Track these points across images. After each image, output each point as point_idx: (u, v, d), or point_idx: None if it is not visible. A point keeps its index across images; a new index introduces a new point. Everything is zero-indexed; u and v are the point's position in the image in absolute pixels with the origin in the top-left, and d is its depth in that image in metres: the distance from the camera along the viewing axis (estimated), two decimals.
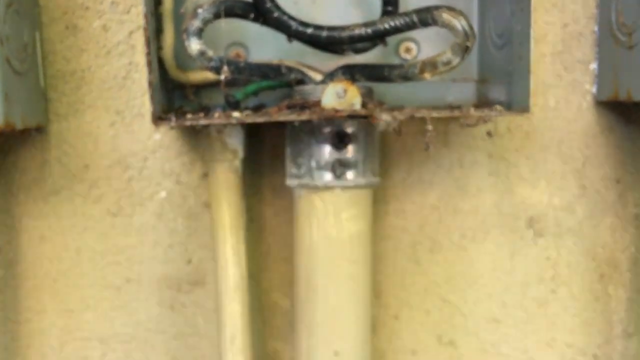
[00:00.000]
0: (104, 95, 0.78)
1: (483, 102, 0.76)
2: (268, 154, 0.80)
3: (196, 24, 0.60)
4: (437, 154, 0.81)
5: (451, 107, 0.64)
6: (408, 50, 0.77)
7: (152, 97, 0.57)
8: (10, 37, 0.66)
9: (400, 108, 0.69)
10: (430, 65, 0.61)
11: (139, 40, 0.77)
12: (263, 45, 0.75)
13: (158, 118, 0.59)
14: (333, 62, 0.72)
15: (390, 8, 0.71)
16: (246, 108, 0.72)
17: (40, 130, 0.77)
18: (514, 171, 0.82)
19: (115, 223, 0.80)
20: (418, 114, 0.60)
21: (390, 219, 0.82)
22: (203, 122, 0.59)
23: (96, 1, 0.77)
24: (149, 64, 0.57)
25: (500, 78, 0.71)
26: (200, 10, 0.60)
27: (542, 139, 0.81)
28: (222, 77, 0.61)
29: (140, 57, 0.78)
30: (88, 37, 0.77)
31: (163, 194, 0.80)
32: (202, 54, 0.60)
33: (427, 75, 0.62)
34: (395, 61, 0.75)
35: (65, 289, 0.80)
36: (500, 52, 0.71)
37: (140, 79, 0.78)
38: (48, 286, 0.80)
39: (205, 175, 0.80)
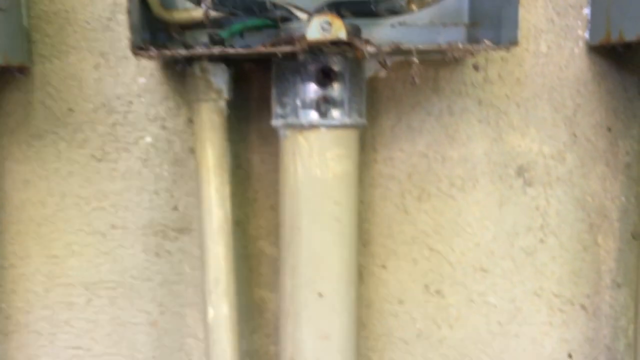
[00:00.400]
0: (88, 37, 0.77)
1: (472, 41, 0.75)
2: (255, 99, 0.79)
3: None
4: (427, 100, 0.80)
5: (439, 44, 0.62)
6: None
7: (131, 26, 0.55)
8: None
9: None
10: None
11: None
12: None
13: (138, 48, 0.58)
14: (319, 2, 0.71)
15: None
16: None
17: (23, 71, 0.76)
18: (504, 119, 0.81)
19: (100, 168, 0.79)
20: (404, 47, 0.59)
21: (379, 167, 0.81)
22: (183, 52, 0.58)
23: None
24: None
25: (491, 21, 0.70)
26: None
27: (533, 86, 0.80)
28: (203, 7, 0.59)
29: None
30: None
31: (148, 139, 0.79)
32: None
33: (414, 7, 0.60)
34: None
35: (49, 235, 0.80)
36: None
37: (125, 20, 0.76)
38: (32, 231, 0.80)
39: (191, 121, 0.78)
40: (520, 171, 0.81)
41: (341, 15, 0.67)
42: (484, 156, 0.81)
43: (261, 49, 0.59)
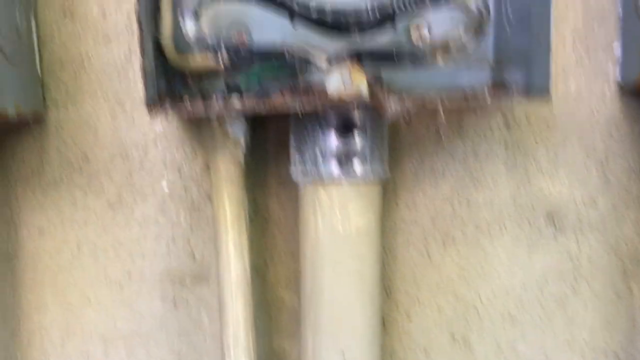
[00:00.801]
0: (104, 83, 0.75)
1: (499, 86, 0.72)
2: (272, 142, 0.77)
3: (193, 6, 0.56)
4: (450, 143, 0.77)
5: (465, 95, 0.60)
6: (419, 32, 0.73)
7: (145, 84, 0.54)
8: (2, 23, 0.63)
9: (409, 93, 0.65)
10: (443, 48, 0.58)
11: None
12: (265, 24, 0.70)
13: (153, 106, 0.56)
14: (338, 43, 0.68)
15: None
16: (248, 94, 0.69)
17: (38, 119, 0.74)
18: (531, 162, 0.78)
19: (116, 216, 0.78)
20: (429, 102, 0.56)
21: (401, 212, 0.78)
22: (200, 110, 0.56)
23: None
24: (142, 49, 0.54)
25: (518, 61, 0.67)
26: None
27: (562, 128, 0.77)
28: (220, 59, 0.57)
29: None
30: (86, 23, 0.74)
31: (165, 185, 0.78)
32: (199, 38, 0.57)
33: (439, 59, 0.58)
34: (406, 43, 0.71)
35: (65, 284, 0.78)
36: (518, 33, 0.66)
37: (140, 72, 0.75)
38: (48, 281, 0.78)
39: (208, 167, 0.77)
40: (550, 216, 0.78)
41: (362, 63, 0.65)
42: (511, 200, 0.78)
43: (280, 103, 0.57)
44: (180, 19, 0.56)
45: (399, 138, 0.77)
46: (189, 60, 0.70)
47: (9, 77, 0.64)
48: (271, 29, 0.69)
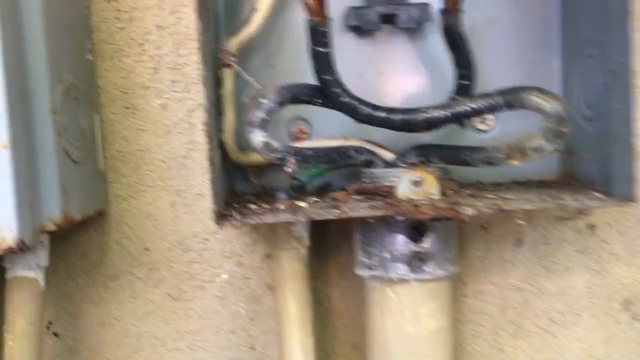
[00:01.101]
0: (164, 175, 0.75)
1: (569, 178, 0.69)
2: (332, 232, 0.75)
3: (260, 115, 0.56)
4: (519, 230, 0.74)
5: (550, 204, 0.56)
6: (483, 122, 0.71)
7: (216, 200, 0.53)
8: (68, 127, 0.63)
9: (480, 191, 0.63)
10: (519, 151, 0.55)
11: (199, 118, 0.74)
12: (327, 119, 0.70)
13: (221, 216, 0.55)
14: (402, 137, 0.67)
15: (466, 82, 0.65)
16: (311, 191, 0.67)
17: (100, 214, 0.74)
18: (606, 248, 0.74)
19: (175, 307, 0.76)
20: (507, 207, 0.54)
21: (468, 302, 0.75)
22: (268, 220, 0.55)
23: (155, 80, 0.74)
24: (211, 160, 0.53)
25: (590, 152, 0.64)
26: (264, 101, 0.56)
27: (637, 212, 0.73)
28: (290, 169, 0.56)
29: (200, 135, 0.74)
30: (147, 117, 0.74)
31: (224, 276, 0.76)
32: (266, 146, 0.56)
33: (514, 162, 0.55)
34: (468, 133, 0.70)
35: None
36: (591, 125, 0.64)
37: (201, 157, 0.75)
38: None
39: (267, 256, 0.75)
40: (627, 304, 0.74)
41: (429, 161, 0.63)
42: (586, 289, 0.74)
43: (351, 213, 0.55)
44: (247, 127, 0.55)
45: (464, 225, 0.74)
46: (250, 156, 0.69)
47: (75, 180, 0.63)
48: (332, 123, 0.68)
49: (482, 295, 0.75)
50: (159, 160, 0.75)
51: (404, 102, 0.70)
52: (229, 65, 0.61)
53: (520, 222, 0.54)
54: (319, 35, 0.54)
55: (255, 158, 0.69)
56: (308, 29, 0.54)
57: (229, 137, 0.67)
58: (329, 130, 0.70)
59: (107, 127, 0.74)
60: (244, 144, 0.69)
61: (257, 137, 0.55)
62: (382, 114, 0.58)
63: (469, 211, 0.53)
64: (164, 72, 0.74)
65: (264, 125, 0.56)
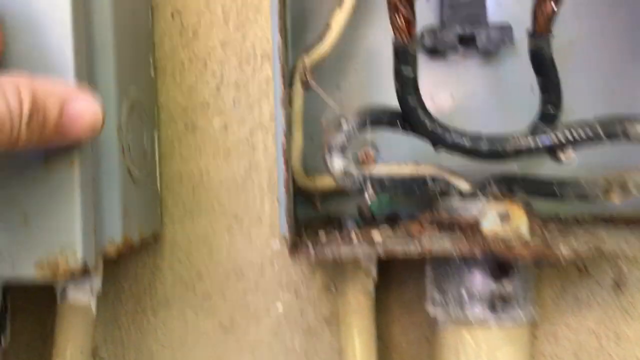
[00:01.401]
0: (221, 198, 0.72)
1: None
2: (397, 264, 0.71)
3: (340, 139, 0.52)
4: (596, 269, 0.70)
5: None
6: (564, 152, 0.66)
7: (289, 225, 0.49)
8: (132, 145, 0.60)
9: (566, 227, 0.59)
10: (620, 186, 0.51)
11: (260, 139, 0.71)
12: (394, 143, 0.66)
13: (294, 247, 0.51)
14: (475, 166, 0.63)
15: (552, 110, 0.61)
16: (380, 220, 0.63)
17: (155, 238, 0.71)
18: None
19: (227, 339, 0.73)
20: (606, 248, 0.49)
21: (541, 345, 0.70)
22: (345, 254, 0.51)
23: (217, 98, 0.71)
24: (287, 188, 0.50)
25: None
26: (344, 124, 0.52)
27: None
28: (368, 199, 0.52)
29: (260, 157, 0.71)
30: (207, 136, 0.71)
31: (280, 308, 0.72)
32: (345, 172, 0.52)
33: (614, 200, 0.51)
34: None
35: None
36: None
37: (260, 181, 0.71)
38: None
39: (326, 287, 0.71)
40: None
41: (512, 192, 0.59)
42: None
43: (432, 247, 0.51)
44: (327, 155, 0.51)
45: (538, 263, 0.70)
46: (316, 181, 0.66)
47: (135, 201, 0.60)
48: (400, 145, 0.65)
49: (555, 338, 0.70)
50: (216, 183, 0.72)
51: (476, 128, 0.67)
52: (308, 85, 0.58)
53: (622, 266, 0.49)
54: (406, 58, 0.50)
55: (323, 183, 0.66)
56: (394, 51, 0.51)
57: (296, 160, 0.64)
58: (396, 154, 0.66)
59: (166, 146, 0.71)
60: (310, 168, 0.66)
61: (337, 163, 0.52)
62: (467, 142, 0.54)
63: (565, 251, 0.49)
64: (226, 90, 0.71)
65: (343, 150, 0.52)
